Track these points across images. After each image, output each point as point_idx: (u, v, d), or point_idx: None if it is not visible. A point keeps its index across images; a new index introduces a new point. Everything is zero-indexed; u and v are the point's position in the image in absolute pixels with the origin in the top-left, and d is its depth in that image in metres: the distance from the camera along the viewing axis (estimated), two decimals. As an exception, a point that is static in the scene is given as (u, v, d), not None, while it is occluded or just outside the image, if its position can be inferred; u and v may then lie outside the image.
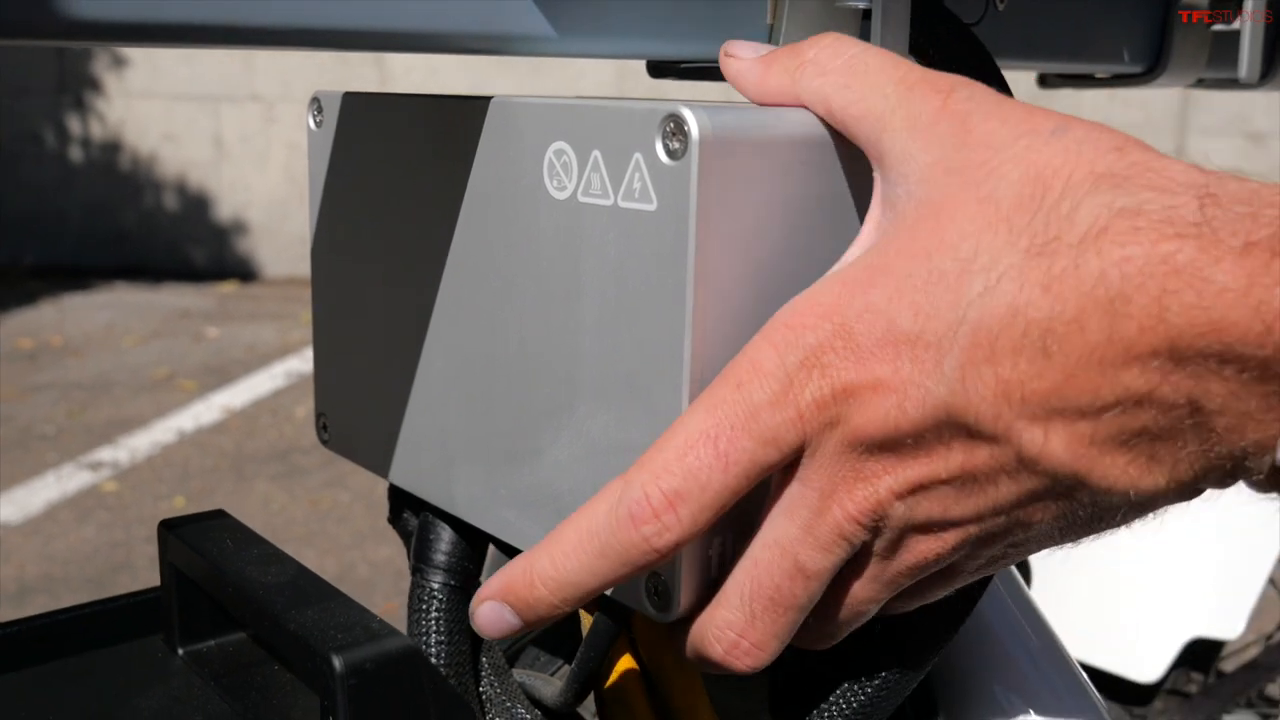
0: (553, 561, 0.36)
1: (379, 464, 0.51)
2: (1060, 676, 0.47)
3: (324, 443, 0.55)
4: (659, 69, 0.51)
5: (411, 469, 0.49)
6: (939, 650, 0.43)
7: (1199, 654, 0.78)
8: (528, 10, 0.41)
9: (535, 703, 0.49)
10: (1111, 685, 0.79)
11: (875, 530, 0.35)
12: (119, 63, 5.83)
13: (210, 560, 0.43)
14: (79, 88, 5.89)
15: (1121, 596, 0.77)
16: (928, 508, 0.34)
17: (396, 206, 0.47)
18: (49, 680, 0.45)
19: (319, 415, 0.55)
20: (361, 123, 0.49)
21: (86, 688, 0.44)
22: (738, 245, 0.36)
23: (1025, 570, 0.63)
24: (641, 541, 0.34)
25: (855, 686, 0.43)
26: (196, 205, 5.90)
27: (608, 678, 0.45)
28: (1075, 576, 0.80)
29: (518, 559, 0.38)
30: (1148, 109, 5.04)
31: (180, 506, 2.79)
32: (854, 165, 0.39)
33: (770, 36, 0.46)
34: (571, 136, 0.39)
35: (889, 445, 0.33)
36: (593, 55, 0.43)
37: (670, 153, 0.35)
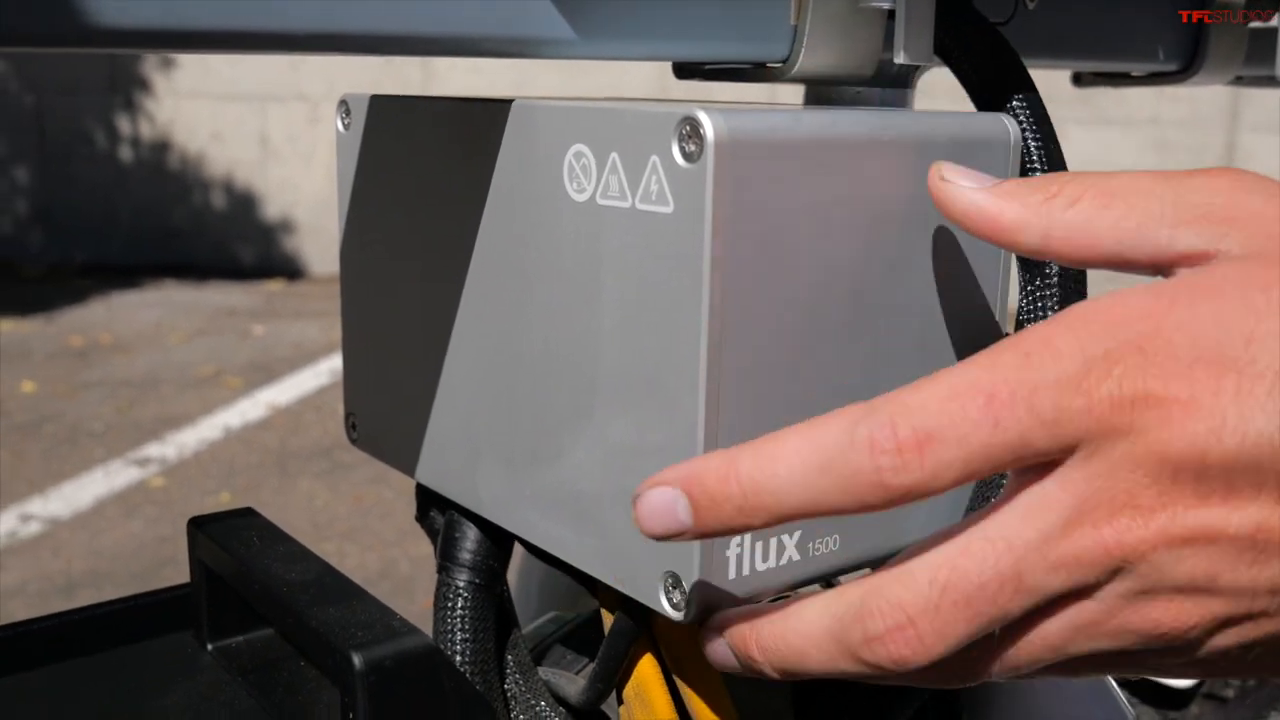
0: (759, 462, 0.32)
1: (406, 463, 0.51)
2: (1087, 681, 0.47)
3: (353, 441, 0.55)
4: (684, 70, 0.51)
5: (437, 468, 0.49)
6: None
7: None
8: (548, 13, 0.41)
9: (560, 701, 0.49)
10: (1145, 689, 0.78)
11: (1114, 572, 0.30)
12: (168, 63, 5.90)
13: (237, 557, 0.43)
14: (129, 88, 5.97)
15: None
16: (1191, 566, 0.29)
17: (422, 208, 0.48)
18: (81, 674, 0.45)
19: (348, 414, 0.55)
20: (388, 126, 0.50)
21: (117, 682, 0.45)
22: (758, 248, 0.36)
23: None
24: (873, 472, 0.30)
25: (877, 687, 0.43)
26: (244, 204, 5.97)
27: (629, 677, 0.45)
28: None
29: (715, 453, 0.33)
30: (1195, 104, 4.97)
31: (225, 502, 2.83)
32: (891, 166, 0.39)
33: (794, 38, 0.46)
34: (590, 139, 0.39)
35: (1184, 475, 0.29)
36: (613, 58, 0.43)
37: (686, 155, 0.35)
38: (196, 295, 5.32)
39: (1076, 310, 0.31)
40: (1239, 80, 0.70)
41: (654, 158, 0.36)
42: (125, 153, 6.03)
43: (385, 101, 0.50)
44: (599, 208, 0.39)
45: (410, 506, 0.52)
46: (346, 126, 0.52)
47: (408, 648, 0.37)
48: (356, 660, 0.36)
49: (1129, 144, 4.98)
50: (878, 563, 0.42)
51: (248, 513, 0.48)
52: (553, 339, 0.42)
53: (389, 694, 0.36)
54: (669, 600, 0.38)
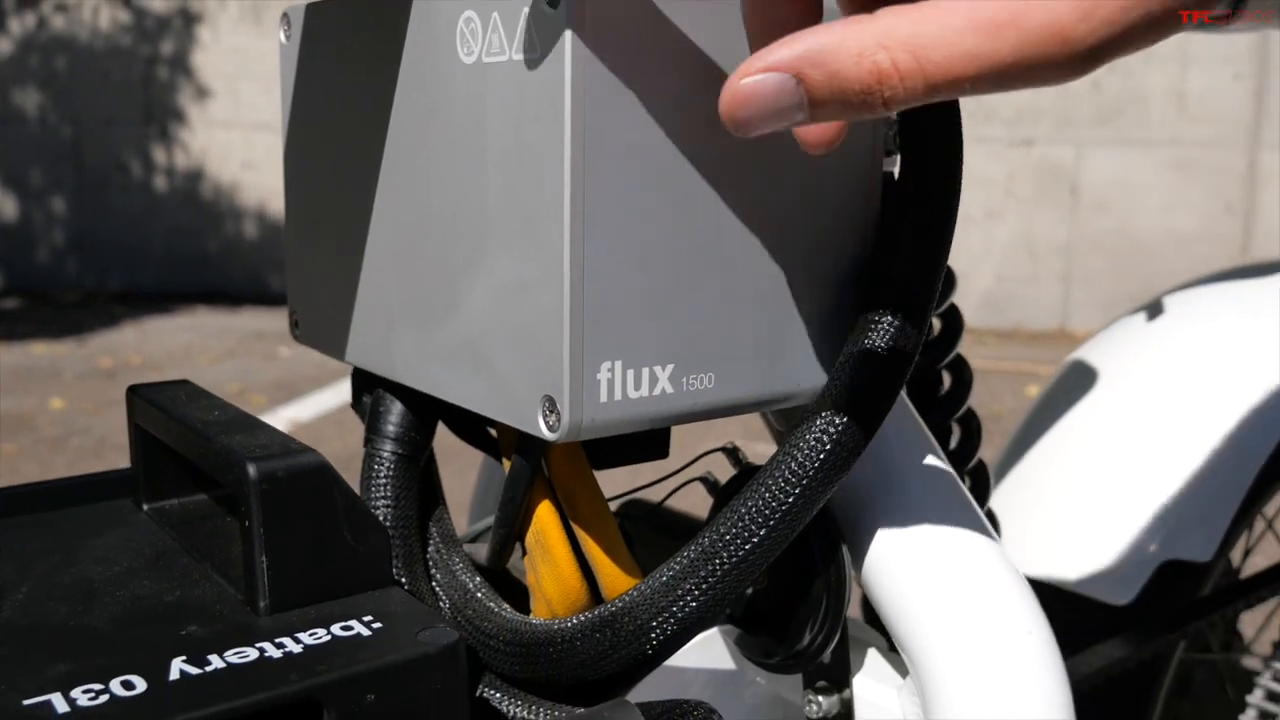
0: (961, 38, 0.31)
1: (337, 348, 0.54)
2: (950, 498, 0.49)
3: (296, 338, 0.59)
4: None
5: (360, 345, 0.52)
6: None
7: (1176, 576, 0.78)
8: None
9: (479, 569, 0.52)
10: (1087, 607, 0.79)
11: None
12: (202, 94, 6.02)
13: (163, 409, 0.47)
14: (164, 118, 6.09)
15: (1094, 519, 0.77)
16: None
17: (345, 102, 0.51)
18: (20, 529, 0.49)
19: (291, 313, 0.59)
20: (321, 29, 0.53)
21: (58, 532, 0.48)
22: (624, 91, 0.39)
23: (984, 486, 0.65)
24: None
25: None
26: (275, 232, 6.05)
27: (529, 525, 0.48)
28: (1042, 496, 0.81)
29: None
30: (1219, 124, 4.96)
31: (245, 510, 2.86)
32: None
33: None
34: (477, 3, 0.42)
35: None
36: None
37: (550, 1, 0.38)
38: (227, 320, 5.40)
39: None
40: None
41: (526, 8, 0.39)
42: (160, 182, 6.15)
43: (318, 7, 0.53)
44: (484, 66, 0.42)
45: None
46: (288, 38, 0.56)
47: (300, 462, 0.40)
48: (251, 470, 0.39)
49: (1150, 163, 4.97)
50: (752, 407, 0.45)
51: (183, 383, 0.51)
52: (450, 199, 0.45)
53: (280, 503, 0.39)
54: (545, 422, 0.41)
